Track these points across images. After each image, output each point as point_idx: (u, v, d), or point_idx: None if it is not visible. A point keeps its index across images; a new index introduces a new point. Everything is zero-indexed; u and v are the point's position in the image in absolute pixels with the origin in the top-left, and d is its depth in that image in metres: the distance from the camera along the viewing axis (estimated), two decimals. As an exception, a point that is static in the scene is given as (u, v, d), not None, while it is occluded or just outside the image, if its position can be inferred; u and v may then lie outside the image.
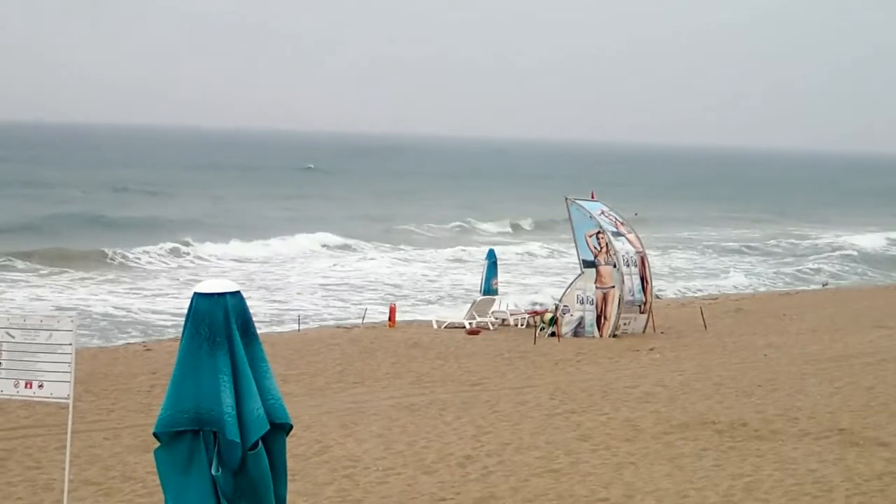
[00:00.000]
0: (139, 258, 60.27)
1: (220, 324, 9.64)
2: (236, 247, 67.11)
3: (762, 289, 59.20)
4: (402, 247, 73.92)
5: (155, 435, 9.63)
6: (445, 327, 38.22)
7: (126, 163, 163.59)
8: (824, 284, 60.28)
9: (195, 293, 9.78)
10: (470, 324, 37.92)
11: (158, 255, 61.94)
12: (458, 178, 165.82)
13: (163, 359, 29.68)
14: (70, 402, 14.29)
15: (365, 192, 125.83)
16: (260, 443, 9.51)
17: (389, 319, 39.15)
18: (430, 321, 39.44)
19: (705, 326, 37.84)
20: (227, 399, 9.50)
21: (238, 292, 9.85)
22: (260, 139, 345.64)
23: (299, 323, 39.44)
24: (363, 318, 40.73)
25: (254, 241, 68.84)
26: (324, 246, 71.14)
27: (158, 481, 9.99)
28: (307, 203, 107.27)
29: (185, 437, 9.55)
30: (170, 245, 64.10)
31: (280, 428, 9.75)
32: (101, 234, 70.78)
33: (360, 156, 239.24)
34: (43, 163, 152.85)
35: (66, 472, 14.26)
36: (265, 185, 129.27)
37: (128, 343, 35.08)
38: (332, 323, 41.50)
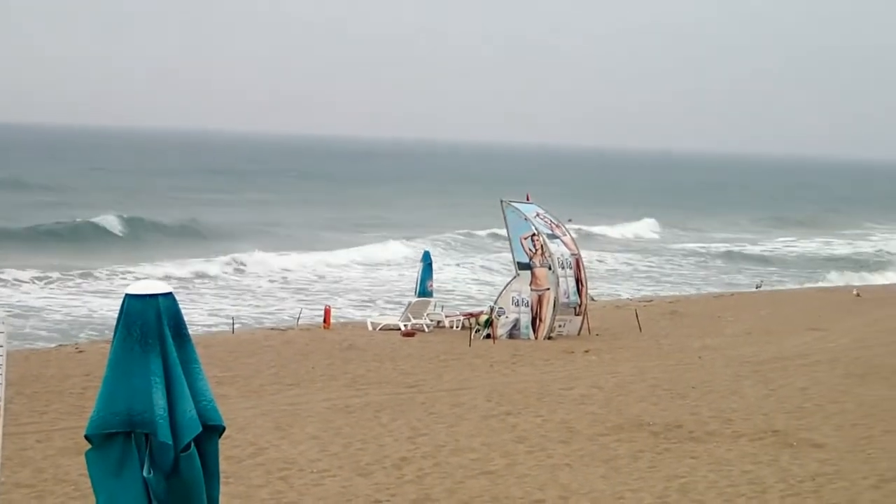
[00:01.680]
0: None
1: (152, 325, 9.52)
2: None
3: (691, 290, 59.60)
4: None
5: (87, 437, 9.50)
6: (381, 329, 38.14)
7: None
8: (758, 286, 60.68)
9: (126, 294, 9.66)
10: (405, 325, 37.87)
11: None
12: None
13: (95, 360, 29.39)
14: (1, 404, 14.09)
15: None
16: (192, 445, 9.40)
17: (325, 321, 39.03)
18: (366, 323, 39.34)
19: (640, 328, 37.98)
20: (160, 401, 9.39)
21: (170, 293, 9.74)
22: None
23: (233, 325, 39.24)
24: (298, 320, 40.58)
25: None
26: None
27: (90, 484, 9.88)
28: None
29: (117, 439, 9.42)
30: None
31: (213, 430, 9.64)
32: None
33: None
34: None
35: (-3, 475, 14.10)
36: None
37: (60, 345, 34.76)
38: (265, 325, 41.36)
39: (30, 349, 33.32)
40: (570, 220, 40.13)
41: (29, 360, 29.87)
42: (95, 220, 77.78)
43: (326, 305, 41.40)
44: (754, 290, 59.14)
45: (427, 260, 41.37)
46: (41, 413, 23.36)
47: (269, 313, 45.58)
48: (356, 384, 27.37)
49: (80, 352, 32.11)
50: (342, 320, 41.59)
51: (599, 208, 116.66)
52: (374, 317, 40.68)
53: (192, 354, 9.68)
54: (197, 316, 42.98)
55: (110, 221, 78.01)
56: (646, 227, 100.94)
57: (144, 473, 9.35)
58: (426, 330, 38.26)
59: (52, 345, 35.12)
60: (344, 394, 26.09)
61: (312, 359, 31.14)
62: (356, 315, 44.46)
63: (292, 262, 62.21)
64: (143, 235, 75.50)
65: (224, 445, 10.28)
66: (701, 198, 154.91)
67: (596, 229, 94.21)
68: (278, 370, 29.18)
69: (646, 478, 18.57)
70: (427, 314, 39.22)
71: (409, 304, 39.42)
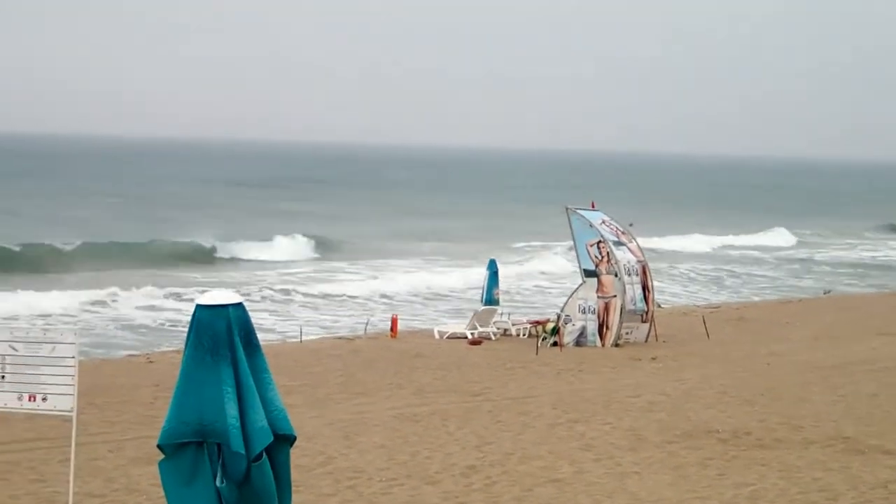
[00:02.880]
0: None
1: (222, 335, 9.64)
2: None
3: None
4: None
5: (159, 447, 9.62)
6: (447, 338, 38.19)
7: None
8: (826, 292, 60.25)
9: (197, 304, 9.78)
10: (472, 334, 37.89)
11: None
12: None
13: (165, 370, 29.65)
14: (73, 414, 14.29)
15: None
16: (264, 454, 9.50)
17: (391, 330, 39.13)
18: (433, 331, 39.39)
19: (707, 335, 37.80)
20: (231, 410, 9.49)
21: (241, 304, 9.85)
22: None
23: (301, 334, 39.43)
24: (366, 329, 40.70)
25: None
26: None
27: (162, 493, 9.98)
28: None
29: (188, 448, 9.54)
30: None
31: (284, 439, 9.74)
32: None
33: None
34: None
35: (71, 484, 14.26)
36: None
37: (131, 354, 35.05)
38: (333, 334, 41.49)
39: (101, 359, 33.61)
40: (631, 225, 39.95)
41: (100, 369, 30.14)
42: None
43: (393, 314, 41.49)
44: (822, 295, 58.72)
45: (493, 268, 41.34)
46: (112, 423, 23.57)
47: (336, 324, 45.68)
48: (423, 393, 27.43)
49: (151, 362, 32.37)
50: (409, 329, 41.65)
51: (732, 217, 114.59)
52: (441, 325, 40.72)
53: (262, 364, 9.79)
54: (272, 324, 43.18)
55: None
56: (777, 237, 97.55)
57: (217, 483, 9.46)
58: (493, 338, 38.26)
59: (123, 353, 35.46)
60: (411, 402, 26.15)
61: (379, 368, 31.23)
62: (423, 325, 44.45)
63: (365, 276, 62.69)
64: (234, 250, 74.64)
65: (293, 454, 10.36)
66: (825, 204, 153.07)
67: (729, 239, 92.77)
68: (345, 379, 29.29)
69: (714, 485, 18.50)
70: (493, 322, 39.23)
71: (476, 312, 39.44)
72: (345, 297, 52.86)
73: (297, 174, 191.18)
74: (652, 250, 74.51)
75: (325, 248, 77.28)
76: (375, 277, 60.63)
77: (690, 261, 76.43)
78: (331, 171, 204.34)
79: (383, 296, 53.74)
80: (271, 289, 54.11)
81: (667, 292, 56.91)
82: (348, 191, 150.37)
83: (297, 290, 53.93)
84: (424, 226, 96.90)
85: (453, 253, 75.30)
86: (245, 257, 71.45)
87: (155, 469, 19.07)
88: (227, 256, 71.59)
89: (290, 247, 75.00)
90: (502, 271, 43.75)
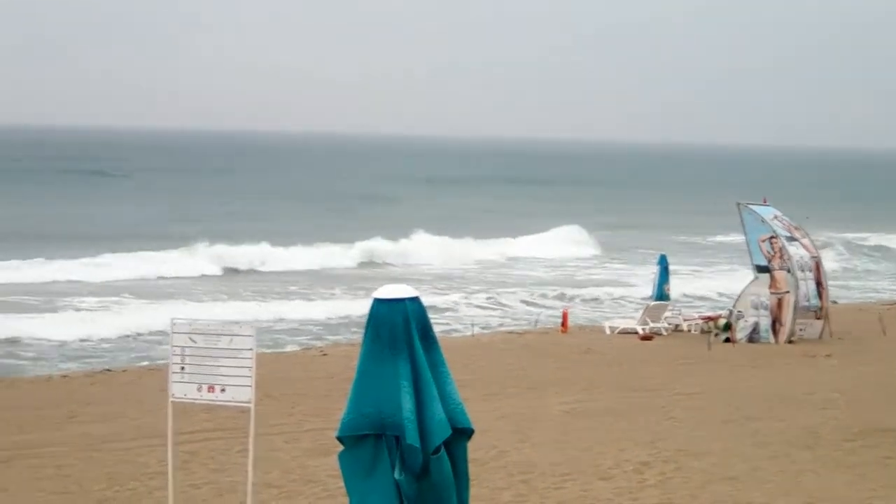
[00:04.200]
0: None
1: (399, 329, 9.73)
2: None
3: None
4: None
5: (338, 438, 9.75)
6: (618, 333, 38.07)
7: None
8: None
9: (375, 299, 9.89)
10: (643, 329, 37.72)
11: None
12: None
13: (340, 363, 30.07)
14: (251, 406, 14.58)
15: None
16: (442, 447, 9.58)
17: (562, 324, 39.13)
18: (603, 327, 39.29)
19: (884, 332, 37.11)
20: (408, 404, 9.59)
21: (417, 298, 9.93)
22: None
23: (472, 328, 39.64)
24: (536, 323, 40.77)
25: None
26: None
27: (339, 484, 10.15)
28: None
29: (367, 440, 9.66)
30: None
31: (462, 433, 9.81)
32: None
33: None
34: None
35: (250, 474, 14.53)
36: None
37: (305, 348, 35.59)
38: (504, 328, 41.61)
39: (277, 352, 34.19)
40: (807, 218, 39.44)
41: (276, 362, 30.66)
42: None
43: (564, 309, 41.50)
44: None
45: (663, 263, 41.07)
46: (288, 415, 23.98)
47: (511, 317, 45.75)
48: (594, 388, 27.39)
49: (325, 355, 32.84)
50: (579, 324, 41.59)
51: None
52: (612, 320, 40.60)
53: (439, 357, 9.86)
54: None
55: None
56: None
57: (395, 475, 9.56)
58: (664, 333, 38.05)
59: (298, 348, 36.00)
60: (582, 397, 26.14)
61: (550, 362, 31.27)
62: (593, 319, 44.33)
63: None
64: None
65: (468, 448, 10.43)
66: None
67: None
68: (517, 373, 29.39)
69: (894, 485, 18.19)
70: (665, 318, 39.01)
71: (647, 307, 39.25)
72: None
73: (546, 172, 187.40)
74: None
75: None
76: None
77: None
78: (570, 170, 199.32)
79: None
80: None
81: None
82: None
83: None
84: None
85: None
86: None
87: (331, 460, 19.45)
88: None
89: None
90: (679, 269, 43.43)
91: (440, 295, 49.68)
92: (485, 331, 40.52)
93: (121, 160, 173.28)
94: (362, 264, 63.69)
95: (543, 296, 51.21)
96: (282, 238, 66.16)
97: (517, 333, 38.75)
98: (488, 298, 50.05)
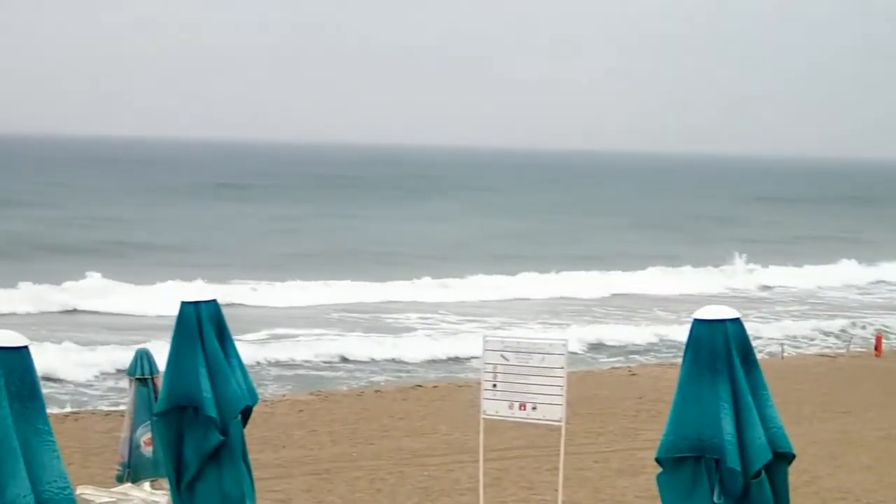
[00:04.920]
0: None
1: (720, 350, 9.64)
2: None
3: None
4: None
5: (657, 460, 9.72)
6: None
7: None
8: None
9: (695, 319, 9.82)
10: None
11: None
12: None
13: (648, 384, 29.91)
14: (562, 424, 14.63)
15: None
16: (762, 471, 9.44)
17: (876, 348, 38.01)
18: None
19: None
20: (728, 427, 9.49)
21: (738, 319, 9.81)
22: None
23: (782, 350, 38.89)
24: (849, 346, 39.73)
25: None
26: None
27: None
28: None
29: (687, 462, 9.59)
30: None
31: (782, 457, 9.65)
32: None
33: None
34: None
35: (560, 493, 14.59)
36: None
37: (613, 367, 35.49)
38: (813, 351, 40.64)
39: (586, 370, 34.18)
40: None
41: (584, 381, 30.66)
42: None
43: (878, 332, 40.33)
44: None
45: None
46: (597, 434, 23.95)
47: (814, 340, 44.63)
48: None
49: (633, 374, 32.67)
50: (893, 349, 40.30)
51: None
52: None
53: (760, 380, 9.73)
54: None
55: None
56: None
57: (714, 499, 9.47)
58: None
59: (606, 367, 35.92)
60: (900, 423, 25.35)
61: (864, 387, 30.41)
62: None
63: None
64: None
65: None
66: None
67: None
68: (829, 398, 28.68)
69: None
70: None
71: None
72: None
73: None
74: None
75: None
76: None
77: None
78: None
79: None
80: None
81: None
82: None
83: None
84: None
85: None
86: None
87: (640, 481, 19.39)
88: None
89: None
90: None
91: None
92: (796, 351, 39.65)
93: (431, 177, 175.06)
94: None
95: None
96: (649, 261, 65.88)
97: (829, 357, 37.80)
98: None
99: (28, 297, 46.30)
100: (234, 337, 12.20)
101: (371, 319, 45.58)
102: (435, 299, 52.07)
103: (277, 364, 35.65)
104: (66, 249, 66.24)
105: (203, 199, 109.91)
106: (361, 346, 38.55)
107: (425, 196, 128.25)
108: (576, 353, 37.31)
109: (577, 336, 40.38)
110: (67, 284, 49.04)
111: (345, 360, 36.88)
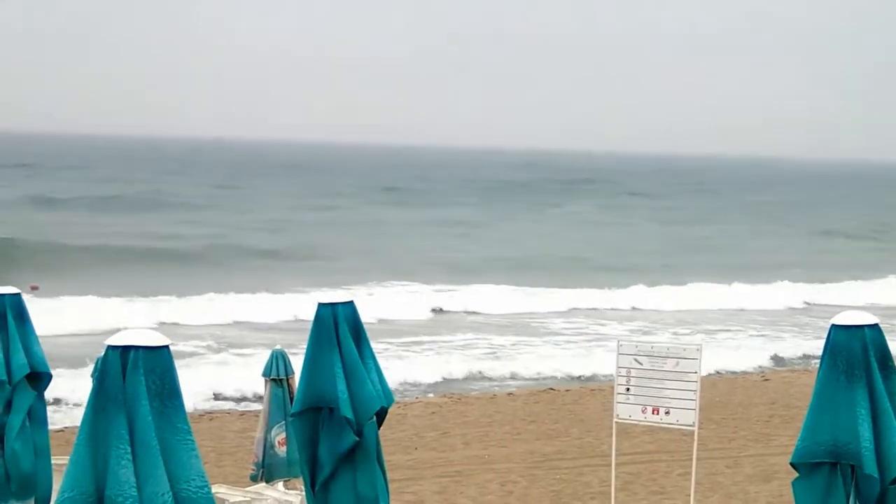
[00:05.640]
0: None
1: (857, 356, 9.55)
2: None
3: None
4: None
5: (792, 465, 9.66)
6: None
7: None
8: None
9: (833, 325, 9.74)
10: None
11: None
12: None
13: (781, 389, 29.65)
14: (695, 429, 14.59)
15: None
16: (903, 478, 9.35)
17: None
18: None
19: None
20: (865, 433, 9.40)
21: (876, 325, 9.72)
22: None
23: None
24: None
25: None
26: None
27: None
28: None
29: (822, 468, 9.52)
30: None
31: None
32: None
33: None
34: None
35: (692, 499, 14.54)
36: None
37: (745, 372, 35.16)
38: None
39: (717, 376, 33.91)
40: None
41: (716, 386, 30.45)
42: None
43: None
44: None
45: None
46: (729, 439, 23.79)
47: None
48: None
49: (766, 380, 32.37)
50: None
51: None
52: None
53: (899, 387, 9.63)
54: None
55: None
56: None
57: (851, 505, 9.40)
58: None
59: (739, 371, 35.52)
60: None
61: None
62: None
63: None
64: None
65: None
66: None
67: None
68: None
69: None
70: None
71: None
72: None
73: None
74: None
75: None
76: None
77: None
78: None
79: None
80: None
81: None
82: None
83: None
84: None
85: None
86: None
87: (772, 486, 19.24)
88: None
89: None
90: None
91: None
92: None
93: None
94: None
95: None
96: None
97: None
98: None
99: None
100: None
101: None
102: (650, 307, 50.40)
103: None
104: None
105: (375, 204, 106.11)
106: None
107: (594, 199, 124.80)
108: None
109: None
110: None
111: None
